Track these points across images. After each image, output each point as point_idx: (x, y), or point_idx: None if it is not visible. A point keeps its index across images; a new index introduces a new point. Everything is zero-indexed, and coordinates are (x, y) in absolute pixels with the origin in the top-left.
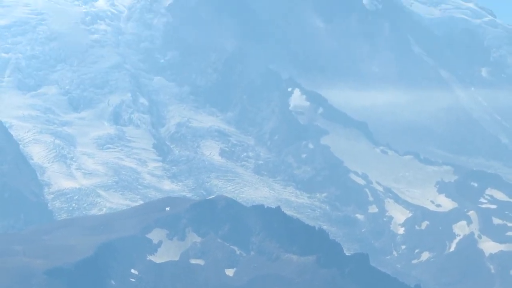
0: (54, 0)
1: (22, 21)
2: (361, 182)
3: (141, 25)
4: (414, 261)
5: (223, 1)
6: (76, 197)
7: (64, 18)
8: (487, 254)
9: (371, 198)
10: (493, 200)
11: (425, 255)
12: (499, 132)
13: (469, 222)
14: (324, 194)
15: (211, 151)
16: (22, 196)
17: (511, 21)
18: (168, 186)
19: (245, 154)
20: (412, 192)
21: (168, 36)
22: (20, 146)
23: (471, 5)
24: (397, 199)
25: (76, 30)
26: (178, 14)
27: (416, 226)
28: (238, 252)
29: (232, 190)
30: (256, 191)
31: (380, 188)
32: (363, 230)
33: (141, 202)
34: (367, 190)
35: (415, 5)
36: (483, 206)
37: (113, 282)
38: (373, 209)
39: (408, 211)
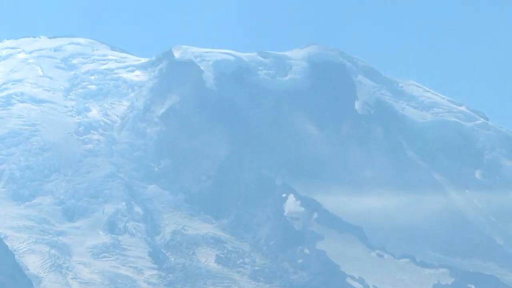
0: (47, 111)
1: (15, 132)
2: (358, 286)
3: (134, 134)
4: None
5: (215, 110)
6: None
7: (57, 129)
8: None
9: None
10: None
11: None
12: (495, 233)
13: None
14: None
15: (207, 258)
16: None
17: (503, 123)
18: None
19: (241, 260)
20: None
21: (161, 144)
22: (16, 256)
23: (463, 108)
24: None
25: (70, 140)
26: (171, 123)
27: None
28: None
29: None
30: None
31: None
32: None
33: None
34: None
35: (407, 109)
36: None
37: None
38: None
39: None
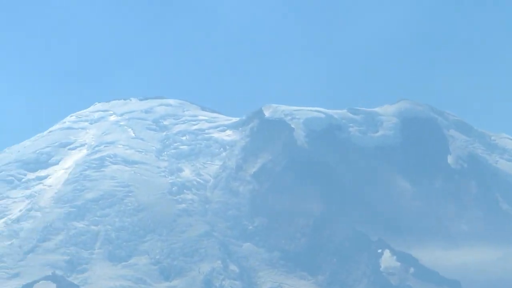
0: (140, 172)
1: (109, 193)
2: None
3: (228, 193)
4: None
5: (307, 167)
6: None
7: (151, 189)
8: None
9: None
10: None
11: None
12: None
13: None
14: None
15: None
16: None
17: None
18: None
19: None
20: None
21: (254, 202)
22: None
23: None
24: None
25: (163, 200)
26: (263, 181)
27: None
28: None
29: None
30: None
31: None
32: None
33: None
34: None
35: (501, 162)
36: None
37: None
38: None
39: None
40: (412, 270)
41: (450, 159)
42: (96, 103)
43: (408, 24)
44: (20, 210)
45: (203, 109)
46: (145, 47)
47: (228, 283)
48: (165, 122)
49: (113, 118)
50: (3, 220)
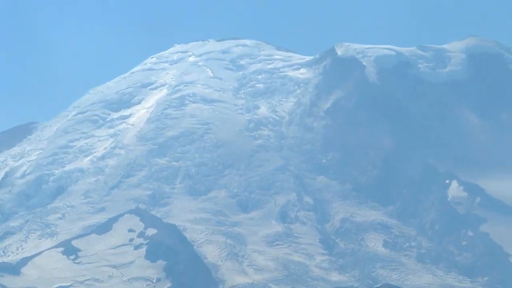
0: (218, 110)
1: (189, 131)
2: None
3: (302, 128)
4: None
5: (378, 103)
6: None
7: (229, 126)
8: None
9: None
10: None
11: None
12: None
13: None
14: (486, 278)
15: (375, 243)
16: None
17: None
18: (335, 277)
19: (407, 244)
20: None
21: (328, 137)
22: (194, 247)
23: None
24: None
25: (241, 136)
26: (336, 117)
27: None
28: None
29: (397, 278)
30: (420, 278)
31: None
32: None
33: None
34: None
35: None
36: None
37: None
38: None
39: None
40: (478, 199)
41: None
42: (176, 44)
43: None
44: (105, 148)
45: (278, 49)
46: None
47: (303, 214)
48: (242, 62)
49: (191, 58)
50: (89, 158)
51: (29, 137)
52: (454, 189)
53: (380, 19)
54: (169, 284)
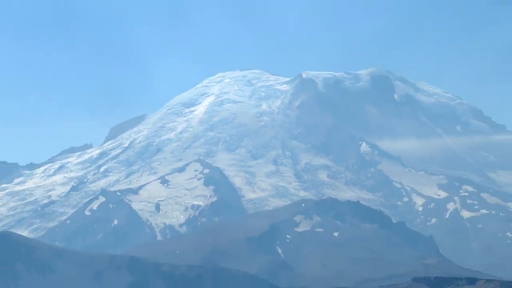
0: (241, 107)
1: (226, 118)
2: None
3: (284, 116)
4: None
5: (325, 103)
6: None
7: (246, 115)
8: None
9: None
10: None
11: None
12: None
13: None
14: (380, 193)
15: (323, 175)
16: None
17: None
18: (302, 193)
19: (340, 175)
20: None
21: (298, 121)
22: (229, 178)
23: None
24: None
25: (253, 121)
26: (302, 110)
27: None
28: None
29: (335, 194)
30: (346, 194)
31: None
32: None
33: None
34: None
35: None
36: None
37: None
38: None
39: None
40: (376, 152)
41: None
42: (218, 72)
43: None
44: (182, 127)
45: (272, 74)
46: None
47: (285, 161)
48: (253, 81)
49: (227, 80)
50: (173, 132)
51: (143, 122)
52: (363, 146)
53: (325, 55)
54: (216, 198)
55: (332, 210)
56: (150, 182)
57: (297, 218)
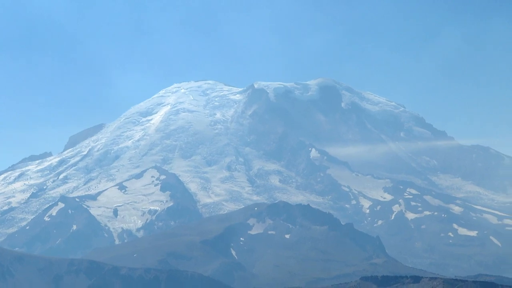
0: (196, 116)
1: (181, 126)
2: None
3: (238, 124)
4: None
5: (276, 111)
6: None
7: (201, 124)
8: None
9: None
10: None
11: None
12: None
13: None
14: (329, 197)
15: (274, 180)
16: None
17: None
18: (255, 198)
19: (291, 180)
20: None
21: (250, 128)
22: (184, 184)
23: None
24: None
25: (207, 129)
26: (254, 118)
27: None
28: None
29: (286, 197)
30: (297, 197)
31: None
32: None
33: None
34: None
35: None
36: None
37: None
38: None
39: None
40: (325, 157)
41: None
42: (174, 83)
43: None
44: (139, 136)
45: (225, 84)
46: None
47: (238, 167)
48: (207, 91)
49: (182, 90)
50: (131, 140)
51: (101, 130)
52: (313, 152)
53: (276, 66)
54: (172, 203)
55: (284, 213)
56: (108, 188)
57: (250, 221)
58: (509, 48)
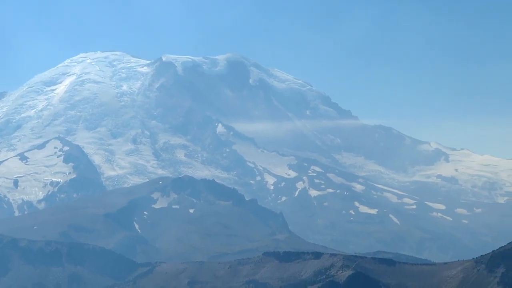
0: (102, 87)
1: (86, 97)
2: None
3: (144, 97)
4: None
5: (184, 84)
6: None
7: (107, 95)
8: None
9: None
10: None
11: None
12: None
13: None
14: (234, 172)
15: (180, 154)
16: None
17: None
18: (160, 171)
19: (197, 155)
20: None
21: (157, 102)
22: (88, 156)
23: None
24: None
25: (113, 100)
26: (162, 91)
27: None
28: None
29: (191, 172)
30: (202, 172)
31: None
32: None
33: None
34: None
35: None
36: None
37: None
38: None
39: None
40: (231, 133)
41: None
42: (80, 53)
43: None
44: (42, 106)
45: (133, 56)
46: None
47: (144, 140)
48: (114, 63)
49: (88, 60)
50: (33, 110)
51: (3, 99)
52: (219, 128)
53: (185, 40)
54: (75, 175)
55: (189, 188)
56: (9, 158)
57: (155, 195)
58: (415, 31)
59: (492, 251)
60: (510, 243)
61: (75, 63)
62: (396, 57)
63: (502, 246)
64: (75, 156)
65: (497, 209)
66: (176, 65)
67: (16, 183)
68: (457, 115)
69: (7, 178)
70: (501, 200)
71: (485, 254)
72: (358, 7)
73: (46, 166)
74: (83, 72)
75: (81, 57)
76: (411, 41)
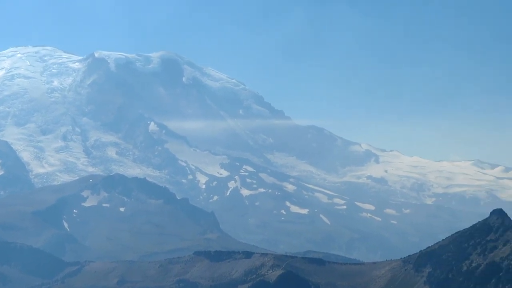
0: (32, 82)
1: (16, 92)
2: None
3: (75, 94)
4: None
5: (115, 82)
6: None
7: (38, 91)
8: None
9: None
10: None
11: None
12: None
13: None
14: (166, 171)
15: (111, 152)
16: None
17: None
18: (91, 169)
19: (128, 152)
20: None
21: (88, 98)
22: (17, 152)
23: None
24: None
25: (43, 96)
26: (92, 88)
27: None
28: None
29: (123, 170)
30: (134, 170)
31: None
32: None
33: None
34: None
35: None
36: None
37: None
38: None
39: None
40: (164, 131)
41: None
42: (10, 47)
43: None
44: None
45: (65, 51)
46: None
47: (74, 137)
48: (45, 58)
49: (19, 55)
50: None
51: None
52: (152, 126)
53: (118, 36)
54: (2, 172)
55: (119, 186)
56: None
57: (85, 193)
58: (347, 33)
59: (420, 251)
60: (437, 243)
61: (5, 57)
62: (328, 58)
63: (429, 246)
64: (3, 153)
65: (425, 210)
66: (108, 61)
67: None
68: (388, 116)
69: None
70: (429, 201)
71: (413, 254)
72: (292, 7)
73: None
74: (13, 66)
75: (11, 51)
76: (343, 42)
